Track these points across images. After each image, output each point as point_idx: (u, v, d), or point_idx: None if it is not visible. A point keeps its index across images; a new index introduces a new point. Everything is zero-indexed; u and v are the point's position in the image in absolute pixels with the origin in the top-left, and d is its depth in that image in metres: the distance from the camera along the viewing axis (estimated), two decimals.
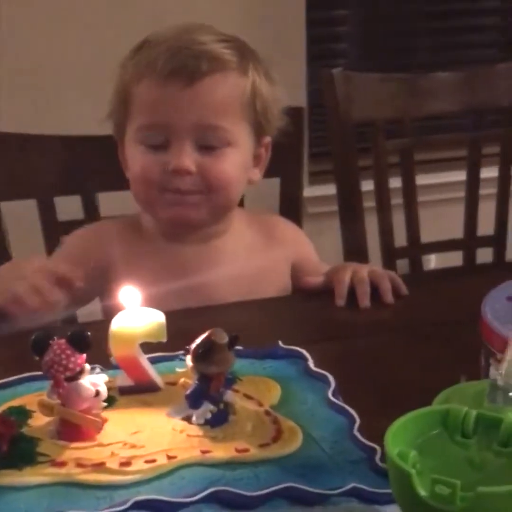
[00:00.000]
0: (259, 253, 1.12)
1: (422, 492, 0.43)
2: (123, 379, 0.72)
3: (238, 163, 1.04)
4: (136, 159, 1.04)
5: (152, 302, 0.76)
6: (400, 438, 0.47)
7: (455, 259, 1.63)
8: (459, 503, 0.44)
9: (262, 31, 1.92)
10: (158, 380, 0.73)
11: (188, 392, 0.68)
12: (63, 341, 0.65)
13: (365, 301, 1.02)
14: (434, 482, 0.42)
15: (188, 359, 0.67)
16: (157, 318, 0.71)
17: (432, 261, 2.10)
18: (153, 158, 1.02)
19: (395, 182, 1.51)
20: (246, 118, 1.04)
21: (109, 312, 1.05)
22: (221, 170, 1.02)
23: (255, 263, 1.10)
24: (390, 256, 1.54)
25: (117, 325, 0.70)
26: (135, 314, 0.70)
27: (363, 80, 1.45)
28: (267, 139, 1.09)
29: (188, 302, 0.98)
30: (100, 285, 1.06)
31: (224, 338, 0.66)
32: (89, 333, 0.66)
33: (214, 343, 0.65)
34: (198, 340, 0.66)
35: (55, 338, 0.65)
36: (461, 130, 1.67)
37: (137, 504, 0.58)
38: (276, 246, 1.15)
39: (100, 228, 1.15)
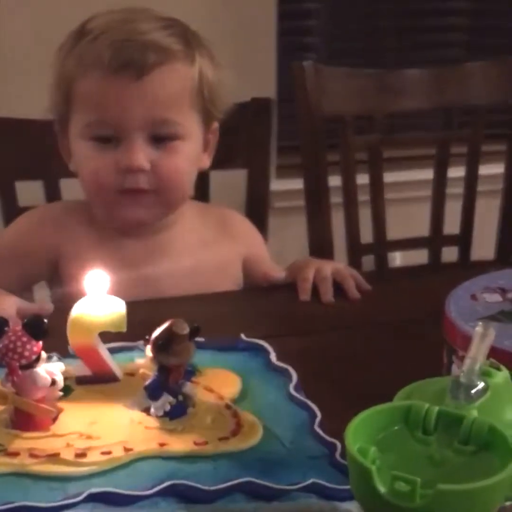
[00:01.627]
0: (211, 246, 1.11)
1: (382, 489, 0.42)
2: (81, 369, 0.71)
3: (191, 155, 1.03)
4: (85, 157, 1.01)
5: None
6: (361, 434, 0.46)
7: (420, 257, 1.64)
8: (418, 500, 0.43)
9: (232, 22, 1.91)
10: (117, 370, 0.72)
11: (147, 383, 0.67)
12: (18, 328, 0.63)
13: (328, 298, 1.02)
14: (394, 479, 0.42)
15: (148, 350, 0.66)
16: (118, 307, 0.69)
17: (398, 259, 2.11)
18: (103, 156, 0.99)
19: (362, 179, 1.51)
20: (195, 107, 1.02)
21: (59, 299, 1.04)
22: (174, 167, 1.00)
23: (207, 255, 1.09)
24: (355, 252, 1.54)
25: (76, 312, 0.69)
26: (95, 302, 0.69)
27: (333, 74, 1.44)
28: (215, 125, 1.07)
29: (138, 296, 0.94)
30: (48, 270, 1.06)
31: (185, 329, 0.64)
32: (45, 320, 0.64)
33: (174, 334, 0.64)
34: (158, 331, 0.65)
35: (10, 324, 0.63)
36: (429, 129, 1.68)
37: (92, 496, 0.57)
38: (228, 240, 1.13)
39: (44, 214, 1.11)
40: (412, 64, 1.81)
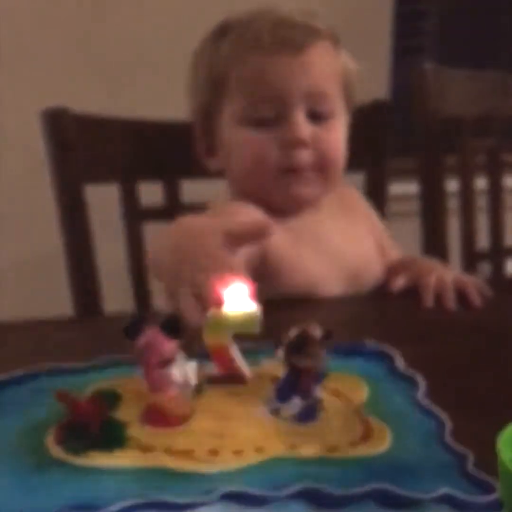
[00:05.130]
0: (348, 228, 1.12)
1: None
2: (212, 369, 0.72)
3: (344, 135, 1.05)
4: (244, 141, 1.02)
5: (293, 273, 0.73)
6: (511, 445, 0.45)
7: None
8: None
9: (347, 23, 1.89)
10: (247, 371, 0.72)
11: (277, 385, 0.67)
12: (156, 327, 0.64)
13: (450, 304, 1.00)
14: None
15: (280, 351, 0.66)
16: (252, 309, 0.70)
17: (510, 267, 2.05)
18: (265, 136, 1.00)
19: (480, 183, 1.48)
20: (341, 91, 1.04)
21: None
22: (334, 142, 1.02)
23: (349, 229, 1.09)
24: (470, 259, 1.51)
25: (212, 314, 0.70)
26: (232, 304, 0.69)
27: (453, 76, 1.42)
28: (348, 120, 1.08)
29: (335, 273, 1.01)
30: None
31: (319, 332, 0.64)
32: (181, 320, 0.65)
33: (309, 336, 0.64)
34: (291, 332, 0.65)
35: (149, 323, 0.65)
36: None
37: (225, 495, 0.57)
38: (357, 212, 1.14)
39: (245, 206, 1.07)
40: None
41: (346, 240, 1.08)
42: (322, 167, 1.02)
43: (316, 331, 0.64)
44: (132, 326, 0.64)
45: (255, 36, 1.00)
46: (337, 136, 1.03)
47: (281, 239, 1.04)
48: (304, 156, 1.00)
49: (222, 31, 1.05)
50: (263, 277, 1.01)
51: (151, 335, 0.64)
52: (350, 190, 1.20)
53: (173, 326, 0.64)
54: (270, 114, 1.00)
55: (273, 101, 1.00)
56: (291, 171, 1.01)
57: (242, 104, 1.02)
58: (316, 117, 1.01)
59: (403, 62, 1.55)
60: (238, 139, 1.03)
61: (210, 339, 0.70)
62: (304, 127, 0.99)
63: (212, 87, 1.05)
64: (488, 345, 0.89)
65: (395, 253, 1.19)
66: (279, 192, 1.02)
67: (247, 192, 1.06)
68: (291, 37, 1.00)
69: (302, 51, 1.00)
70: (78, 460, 0.60)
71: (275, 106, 1.00)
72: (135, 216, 1.27)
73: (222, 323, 0.69)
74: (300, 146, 0.99)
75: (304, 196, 1.03)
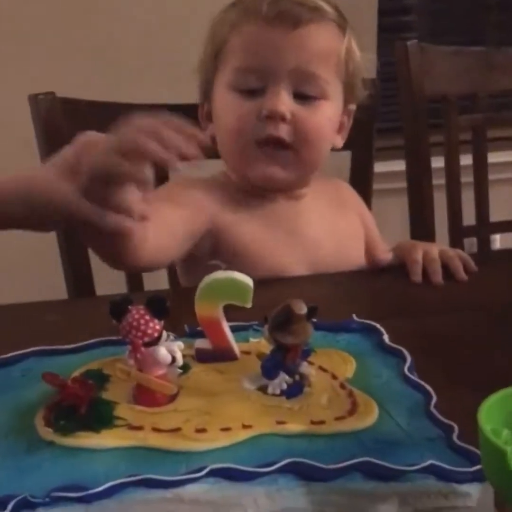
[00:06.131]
0: (334, 211, 1.12)
1: None
2: (202, 343, 0.72)
3: (331, 119, 1.03)
4: (228, 107, 1.02)
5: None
6: (492, 416, 0.45)
7: None
8: None
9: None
10: (236, 348, 0.73)
11: (264, 362, 0.68)
12: (142, 306, 0.65)
13: (437, 279, 1.01)
14: None
15: (266, 329, 0.67)
16: (246, 282, 0.70)
17: (497, 241, 2.06)
18: (247, 104, 1.00)
19: (465, 160, 1.49)
20: (340, 75, 1.03)
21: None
22: (316, 123, 1.01)
23: (334, 218, 1.10)
24: (457, 234, 1.52)
25: (205, 283, 0.70)
26: (225, 275, 0.70)
27: (438, 53, 1.42)
28: (352, 107, 1.07)
29: (297, 257, 1.01)
30: (202, 235, 1.03)
31: (303, 309, 0.65)
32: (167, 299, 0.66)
33: (293, 313, 0.64)
34: (276, 310, 0.66)
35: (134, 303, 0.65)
36: None
37: (214, 471, 0.58)
38: (346, 205, 1.14)
39: (204, 181, 1.11)
40: None
41: (327, 234, 1.08)
42: (299, 147, 1.01)
43: (301, 308, 0.65)
44: (117, 307, 0.64)
45: (256, 7, 1.00)
46: (321, 119, 1.01)
47: (252, 222, 1.05)
48: (280, 130, 0.99)
49: (233, 2, 1.05)
50: (227, 257, 1.04)
51: (137, 315, 0.64)
52: (342, 185, 1.20)
53: (159, 306, 0.64)
54: (257, 85, 1.00)
55: (260, 73, 1.00)
56: (266, 145, 1.01)
57: (233, 71, 1.02)
58: (303, 97, 1.01)
59: (389, 40, 1.55)
60: (223, 105, 1.03)
61: (202, 311, 0.70)
62: (283, 101, 0.99)
63: (213, 54, 1.05)
64: (474, 319, 0.89)
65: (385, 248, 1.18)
66: (255, 169, 1.02)
67: (230, 166, 1.08)
68: (290, 11, 0.99)
69: (298, 27, 0.99)
70: (67, 440, 0.61)
71: (262, 78, 1.00)
72: None
73: (214, 294, 0.69)
74: (276, 119, 0.98)
75: (278, 177, 1.02)
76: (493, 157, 1.55)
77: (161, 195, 1.02)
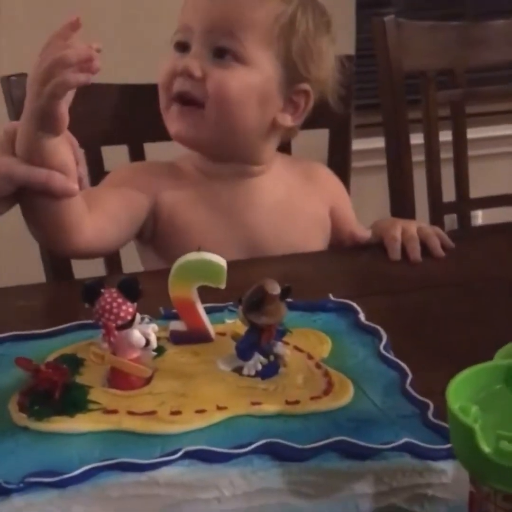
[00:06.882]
0: (300, 196, 1.11)
1: (486, 448, 0.42)
2: (177, 325, 0.72)
3: (250, 84, 1.02)
4: (161, 64, 1.05)
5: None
6: (462, 393, 0.45)
7: (502, 215, 1.61)
8: None
9: None
10: (211, 330, 0.72)
11: (238, 343, 0.68)
12: (114, 289, 0.64)
13: (415, 256, 1.01)
14: (499, 438, 0.41)
15: (240, 310, 0.66)
16: (218, 262, 0.70)
17: (479, 217, 2.07)
18: (171, 61, 1.03)
19: (444, 136, 1.48)
20: (273, 48, 1.03)
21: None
22: (224, 81, 1.01)
23: (296, 204, 1.10)
24: (437, 211, 1.52)
25: (178, 264, 0.70)
26: (198, 256, 0.69)
27: (415, 29, 1.41)
28: (304, 87, 1.06)
29: (233, 240, 1.01)
30: (145, 219, 1.06)
31: (277, 289, 0.64)
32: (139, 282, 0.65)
33: (266, 294, 0.64)
34: (250, 290, 0.65)
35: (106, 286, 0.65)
36: None
37: (189, 454, 0.58)
38: (316, 191, 1.14)
39: (149, 165, 1.15)
40: (493, 14, 1.76)
41: (276, 217, 1.07)
42: (210, 107, 1.01)
43: (274, 288, 0.64)
44: (90, 291, 0.64)
45: None
46: (237, 83, 1.01)
47: (194, 203, 1.06)
48: (187, 85, 1.00)
49: None
50: (165, 238, 1.06)
51: (109, 298, 0.64)
52: (319, 169, 1.18)
53: (131, 289, 0.64)
54: (183, 40, 1.03)
55: (184, 31, 1.03)
56: (175, 101, 1.02)
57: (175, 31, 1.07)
58: (222, 56, 1.01)
59: (368, 16, 1.54)
60: (160, 63, 1.07)
61: (175, 292, 0.70)
62: (193, 60, 1.00)
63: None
64: (452, 296, 0.90)
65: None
66: (169, 126, 1.05)
67: None
68: None
69: None
70: (42, 425, 0.61)
71: (185, 36, 1.03)
72: (100, 181, 1.26)
73: (187, 276, 0.69)
74: (184, 75, 1.00)
75: (185, 135, 1.03)
76: (472, 133, 1.55)
77: (106, 182, 1.08)
